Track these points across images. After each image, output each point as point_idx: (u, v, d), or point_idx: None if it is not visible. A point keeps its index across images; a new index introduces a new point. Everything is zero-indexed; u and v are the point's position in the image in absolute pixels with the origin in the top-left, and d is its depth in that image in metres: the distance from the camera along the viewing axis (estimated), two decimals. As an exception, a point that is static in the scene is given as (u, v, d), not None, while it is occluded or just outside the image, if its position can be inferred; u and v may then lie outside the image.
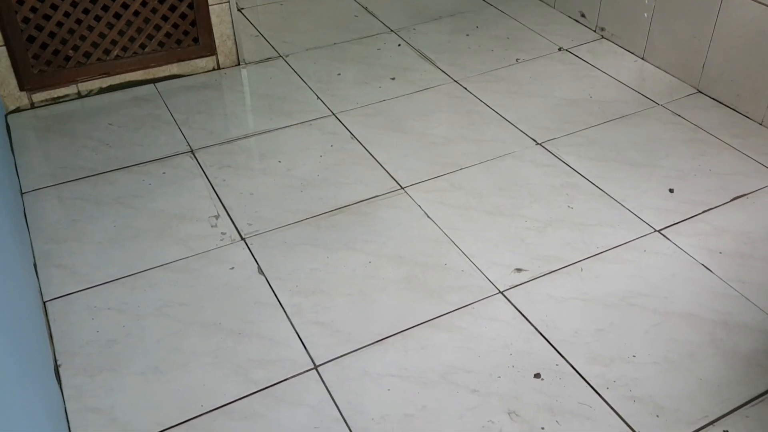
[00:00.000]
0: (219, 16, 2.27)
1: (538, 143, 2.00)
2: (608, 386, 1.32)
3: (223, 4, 2.26)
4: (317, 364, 1.39)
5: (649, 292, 1.52)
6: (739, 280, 1.55)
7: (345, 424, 1.27)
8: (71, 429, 1.26)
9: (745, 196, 1.78)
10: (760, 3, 1.94)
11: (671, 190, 1.81)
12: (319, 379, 1.36)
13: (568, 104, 2.18)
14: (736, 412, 1.28)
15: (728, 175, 1.85)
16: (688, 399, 1.30)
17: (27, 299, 1.38)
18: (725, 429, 1.25)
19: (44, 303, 1.52)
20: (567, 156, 1.94)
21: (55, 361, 1.39)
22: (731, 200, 1.77)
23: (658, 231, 1.68)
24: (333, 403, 1.31)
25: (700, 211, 1.74)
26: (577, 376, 1.34)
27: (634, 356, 1.38)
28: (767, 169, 1.87)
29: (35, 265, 1.61)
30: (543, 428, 1.25)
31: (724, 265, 1.59)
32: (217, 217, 1.76)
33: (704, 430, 1.25)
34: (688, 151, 1.95)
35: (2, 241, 1.31)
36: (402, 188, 1.85)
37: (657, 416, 1.27)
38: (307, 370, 1.38)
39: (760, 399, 1.30)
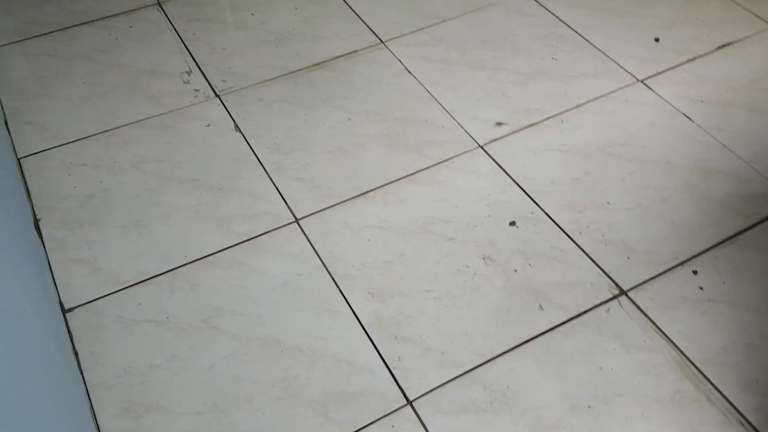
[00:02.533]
0: None
1: (523, -7, 1.91)
2: (581, 231, 1.36)
3: None
4: (298, 217, 1.40)
5: (628, 142, 1.52)
6: (719, 127, 1.55)
7: (326, 271, 1.31)
8: (56, 279, 1.29)
9: (731, 45, 1.74)
10: None
11: (657, 40, 1.76)
12: (301, 231, 1.38)
13: (556, -49, 2.06)
14: (705, 253, 1.32)
15: (715, 24, 1.80)
16: (660, 241, 1.34)
17: (2, 156, 1.36)
18: (694, 269, 1.29)
19: (18, 160, 1.50)
20: (553, 6, 1.87)
21: (35, 215, 1.39)
22: (716, 49, 1.73)
23: (641, 81, 1.66)
24: (314, 252, 1.34)
25: (684, 60, 1.70)
26: (551, 222, 1.37)
27: (608, 203, 1.40)
28: (755, 17, 1.82)
29: (6, 122, 1.57)
30: (516, 270, 1.30)
31: (704, 113, 1.58)
32: (189, 73, 1.70)
33: (673, 270, 1.30)
34: (677, 0, 1.87)
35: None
36: (382, 42, 1.78)
37: (628, 258, 1.31)
38: (289, 223, 1.39)
39: (730, 241, 1.34)
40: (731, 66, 1.69)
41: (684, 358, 1.17)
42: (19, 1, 1.89)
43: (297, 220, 1.40)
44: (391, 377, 1.16)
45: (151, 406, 1.12)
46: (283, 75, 1.70)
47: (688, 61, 1.71)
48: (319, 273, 1.31)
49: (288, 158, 1.51)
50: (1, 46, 1.76)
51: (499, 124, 1.57)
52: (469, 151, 1.52)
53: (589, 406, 1.11)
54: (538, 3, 1.87)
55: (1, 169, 1.30)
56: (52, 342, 1.09)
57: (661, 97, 1.62)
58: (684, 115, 1.58)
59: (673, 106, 1.60)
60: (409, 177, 1.47)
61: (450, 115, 1.60)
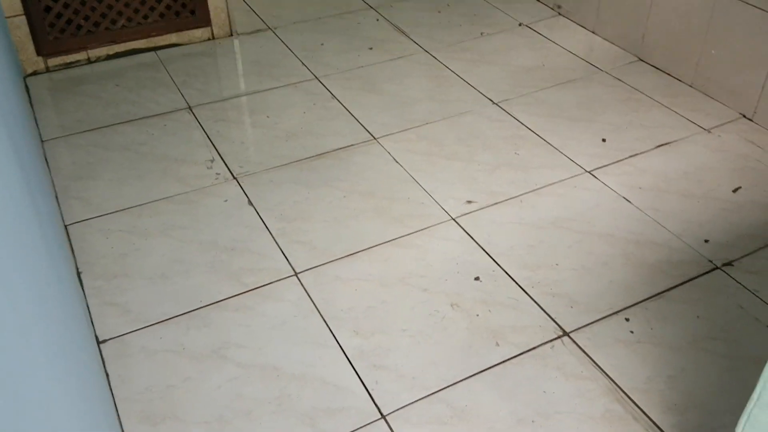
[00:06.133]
0: (214, -9, 2.54)
1: (494, 103, 2.29)
2: (533, 286, 1.61)
3: (218, -20, 2.53)
4: (297, 271, 1.67)
5: (575, 218, 1.81)
6: (654, 208, 1.84)
7: (319, 314, 1.56)
8: (92, 318, 1.54)
9: (668, 144, 2.08)
10: (687, -20, 2.22)
11: (604, 140, 2.10)
12: (299, 282, 1.64)
13: (523, 71, 2.46)
14: (637, 305, 1.57)
15: (656, 128, 2.14)
16: (598, 295, 1.59)
17: (53, 223, 1.65)
18: (627, 317, 1.54)
19: (66, 226, 1.79)
20: (518, 113, 2.23)
21: (77, 269, 1.67)
22: (655, 147, 2.06)
23: (589, 172, 1.97)
24: (309, 299, 1.59)
25: (627, 156, 2.03)
26: (509, 278, 1.63)
27: (557, 264, 1.67)
28: (691, 123, 2.17)
29: (56, 197, 1.88)
30: (478, 315, 1.54)
31: (642, 197, 1.88)
32: (212, 161, 2.03)
33: (609, 317, 1.54)
34: (623, 109, 2.23)
35: (32, 180, 1.58)
36: (375, 138, 2.13)
37: (571, 307, 1.56)
38: (289, 276, 1.66)
39: (659, 296, 1.59)
40: (667, 161, 2.01)
41: (614, 385, 1.39)
42: (69, 104, 2.27)
43: (296, 274, 1.66)
44: (369, 397, 1.38)
45: (167, 416, 1.34)
46: (292, 162, 2.03)
47: (630, 156, 2.03)
48: (313, 315, 1.55)
49: (291, 226, 1.80)
50: (55, 138, 2.12)
51: (469, 202, 1.87)
52: (444, 222, 1.81)
53: (533, 421, 1.32)
54: (505, 111, 2.24)
55: (52, 234, 1.59)
56: (89, 365, 1.33)
57: (605, 184, 1.93)
58: (624, 198, 1.88)
59: (616, 192, 1.90)
60: (392, 241, 1.75)
61: (429, 194, 1.90)
